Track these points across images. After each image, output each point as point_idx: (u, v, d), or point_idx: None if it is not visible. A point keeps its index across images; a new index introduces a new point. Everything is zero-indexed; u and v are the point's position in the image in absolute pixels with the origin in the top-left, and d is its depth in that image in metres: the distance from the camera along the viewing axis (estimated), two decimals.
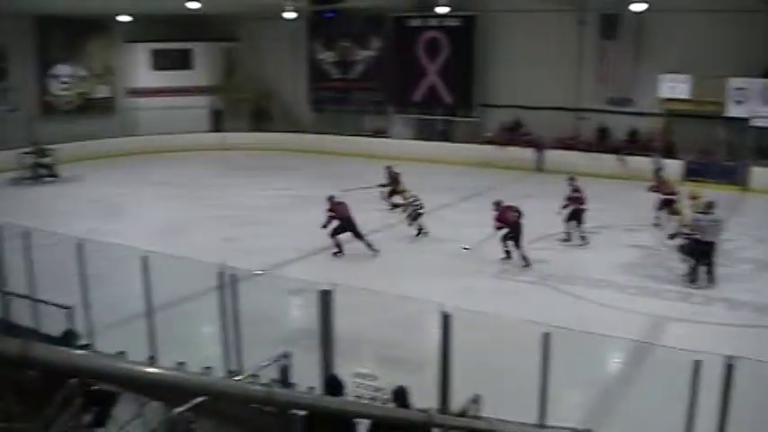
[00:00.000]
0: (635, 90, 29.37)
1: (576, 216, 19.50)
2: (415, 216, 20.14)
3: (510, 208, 18.21)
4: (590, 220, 20.38)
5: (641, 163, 27.45)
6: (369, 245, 18.35)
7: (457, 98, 33.22)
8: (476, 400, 8.07)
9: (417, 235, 20.03)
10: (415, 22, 33.92)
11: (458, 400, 8.25)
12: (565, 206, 19.57)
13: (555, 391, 8.24)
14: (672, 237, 17.35)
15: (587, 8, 29.48)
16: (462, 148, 32.18)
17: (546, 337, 7.91)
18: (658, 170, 26.49)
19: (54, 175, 29.08)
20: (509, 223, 18.01)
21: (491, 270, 17.13)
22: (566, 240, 19.66)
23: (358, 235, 18.39)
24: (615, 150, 28.96)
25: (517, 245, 17.69)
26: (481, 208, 21.61)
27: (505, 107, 32.04)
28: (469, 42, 32.29)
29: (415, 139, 34.34)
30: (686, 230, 16.55)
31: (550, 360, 8.03)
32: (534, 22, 30.54)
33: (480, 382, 8.61)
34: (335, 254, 18.21)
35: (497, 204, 18.37)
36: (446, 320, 8.25)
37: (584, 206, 19.53)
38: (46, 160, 29.11)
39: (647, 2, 26.67)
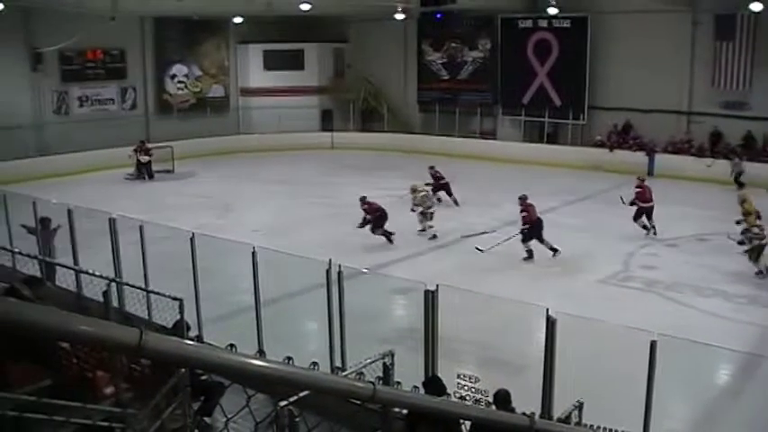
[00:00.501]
0: (751, 93, 28.34)
1: (640, 213, 20.14)
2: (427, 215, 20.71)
3: (532, 205, 18.62)
4: (701, 227, 19.90)
5: (756, 168, 26.52)
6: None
7: (566, 100, 32.71)
8: (579, 407, 7.96)
9: (423, 231, 20.50)
10: (525, 24, 33.58)
11: (560, 406, 8.15)
12: (631, 203, 20.30)
13: (659, 400, 8.06)
14: (740, 243, 17.26)
15: (701, 9, 28.59)
16: (571, 150, 31.67)
17: (653, 346, 7.74)
18: (739, 174, 26.37)
19: (150, 174, 29.87)
20: (532, 220, 18.13)
21: (595, 275, 16.85)
22: (647, 234, 20.03)
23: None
24: (728, 156, 27.93)
25: (541, 240, 18.15)
26: (588, 212, 21.37)
27: (615, 110, 31.41)
28: (580, 44, 31.73)
29: (522, 141, 33.99)
30: (753, 234, 16.76)
31: (656, 368, 7.85)
32: (646, 24, 29.79)
33: (583, 389, 8.48)
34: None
35: (523, 199, 18.71)
36: (551, 325, 8.17)
37: (647, 204, 20.14)
38: (144, 158, 29.99)
39: (764, 2, 25.68)
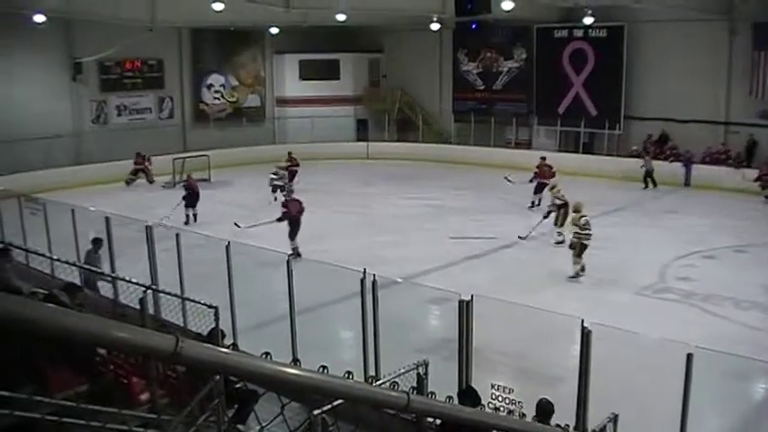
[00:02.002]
0: None
1: (540, 189, 23.92)
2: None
3: (297, 200, 19.23)
4: (738, 238, 19.72)
5: None
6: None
7: (602, 110, 32.50)
8: (613, 420, 7.89)
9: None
10: (561, 33, 33.45)
11: (595, 418, 8.08)
12: (531, 180, 24.57)
13: (695, 413, 7.96)
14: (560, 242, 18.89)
15: (739, 18, 28.24)
16: (607, 161, 31.42)
17: (689, 358, 7.66)
18: (649, 173, 28.50)
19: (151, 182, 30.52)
20: (292, 215, 18.47)
21: (631, 286, 16.68)
22: (531, 207, 24.08)
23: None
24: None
25: (292, 237, 18.41)
26: (624, 223, 21.18)
27: (652, 120, 31.17)
28: (616, 53, 31.53)
29: (558, 151, 33.78)
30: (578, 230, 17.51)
31: (692, 381, 7.76)
32: (683, 33, 29.52)
33: (618, 401, 8.41)
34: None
35: (289, 193, 19.94)
36: (586, 337, 8.11)
37: (546, 180, 23.47)
38: (143, 167, 30.59)
39: None
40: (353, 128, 39.04)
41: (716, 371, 9.32)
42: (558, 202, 20.14)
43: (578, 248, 17.27)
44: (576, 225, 17.45)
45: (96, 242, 14.44)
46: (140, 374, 7.85)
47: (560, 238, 19.55)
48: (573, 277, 17.18)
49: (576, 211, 17.83)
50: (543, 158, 25.40)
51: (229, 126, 36.75)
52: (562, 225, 19.62)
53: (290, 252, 18.25)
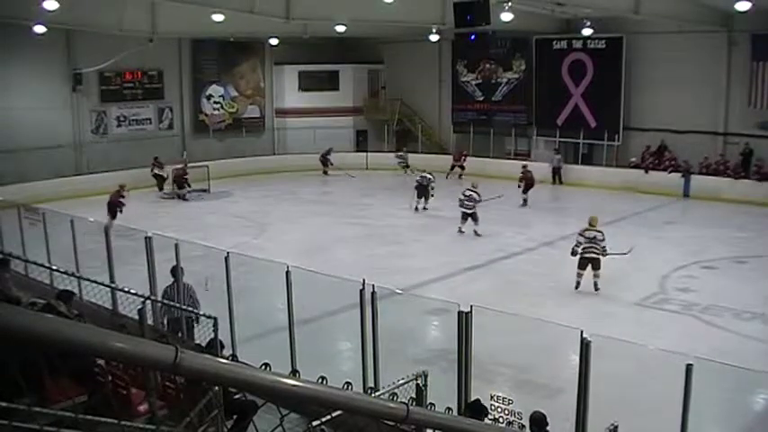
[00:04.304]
0: None
1: (452, 168, 33.12)
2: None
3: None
4: (738, 249, 19.70)
5: None
6: None
7: (601, 121, 32.51)
8: (613, 430, 7.87)
9: None
10: (560, 45, 33.49)
11: (594, 429, 8.06)
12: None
13: (695, 424, 7.93)
14: None
15: (738, 29, 28.29)
16: (605, 172, 31.47)
17: (688, 369, 7.64)
18: (557, 169, 32.20)
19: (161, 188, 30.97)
20: None
21: (631, 297, 16.66)
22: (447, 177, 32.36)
23: None
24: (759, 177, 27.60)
25: None
26: (624, 234, 21.15)
27: (650, 131, 31.19)
28: (615, 65, 31.56)
29: None
30: None
31: (692, 392, 7.74)
32: (681, 44, 29.54)
33: (618, 412, 8.38)
34: None
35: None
36: (585, 347, 8.09)
37: (458, 162, 33.33)
38: (161, 172, 31.06)
39: None
40: (353, 138, 39.08)
41: (716, 382, 9.29)
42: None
43: None
44: None
45: (174, 270, 12.25)
46: (139, 385, 7.83)
47: None
48: None
49: None
50: (464, 152, 34.62)
51: (229, 137, 36.80)
52: None
53: None
